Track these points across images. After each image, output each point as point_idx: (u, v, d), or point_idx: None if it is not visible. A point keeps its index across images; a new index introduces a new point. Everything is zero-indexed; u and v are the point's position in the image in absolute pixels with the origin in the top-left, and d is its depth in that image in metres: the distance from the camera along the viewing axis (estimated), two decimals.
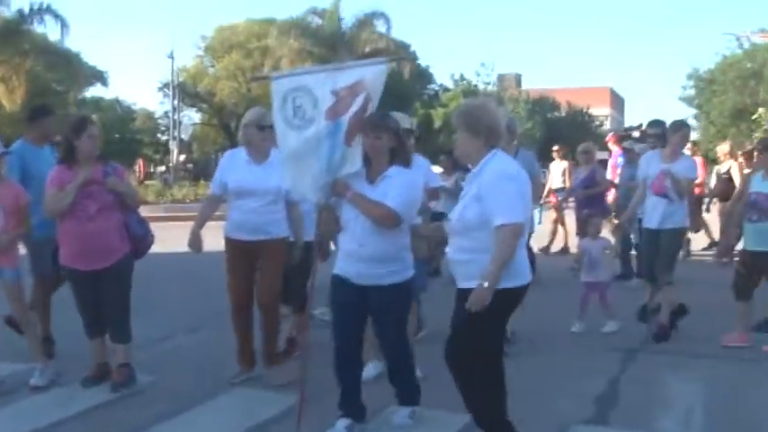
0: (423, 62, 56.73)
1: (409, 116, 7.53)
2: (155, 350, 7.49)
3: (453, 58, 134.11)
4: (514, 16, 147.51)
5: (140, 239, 6.28)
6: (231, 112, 46.88)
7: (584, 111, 63.99)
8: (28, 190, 6.49)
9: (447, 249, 4.63)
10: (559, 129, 56.33)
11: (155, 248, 6.59)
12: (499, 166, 4.43)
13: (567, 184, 14.71)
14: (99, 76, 46.75)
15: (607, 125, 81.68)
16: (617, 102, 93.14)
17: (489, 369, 4.62)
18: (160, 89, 49.80)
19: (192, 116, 55.83)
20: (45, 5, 35.32)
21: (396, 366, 5.34)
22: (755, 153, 8.09)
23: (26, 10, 35.59)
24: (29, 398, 6.10)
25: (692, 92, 51.88)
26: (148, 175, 50.39)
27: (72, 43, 42.52)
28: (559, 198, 14.74)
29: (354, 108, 4.95)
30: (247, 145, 6.35)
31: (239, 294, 6.35)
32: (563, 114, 62.75)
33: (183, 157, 49.67)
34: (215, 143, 56.34)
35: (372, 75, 5.01)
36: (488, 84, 57.52)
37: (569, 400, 6.04)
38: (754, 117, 34.33)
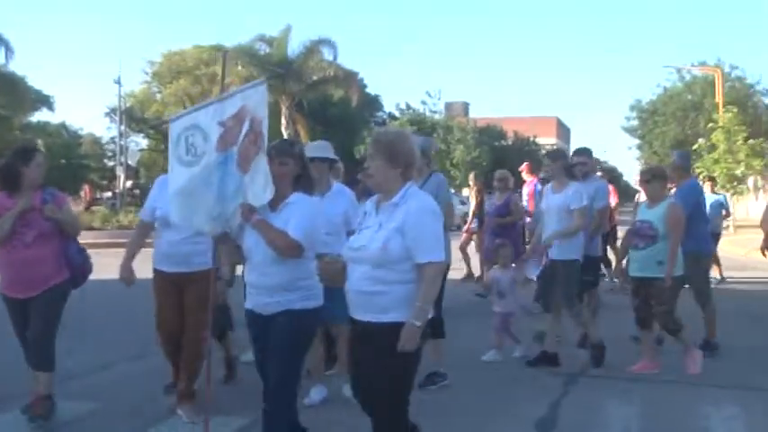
0: (371, 90, 57.21)
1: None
2: (97, 378, 7.44)
3: (402, 86, 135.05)
4: (463, 45, 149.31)
5: (78, 268, 6.18)
6: None
7: (531, 140, 64.76)
8: None
9: (351, 279, 4.32)
10: (506, 157, 56.96)
11: (99, 275, 6.57)
12: (422, 200, 4.31)
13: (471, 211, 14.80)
14: (45, 101, 46.34)
15: None
16: (563, 131, 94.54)
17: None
18: (107, 114, 49.45)
19: (139, 142, 55.55)
20: None
21: (271, 408, 4.82)
22: (641, 183, 8.30)
23: None
24: None
25: (635, 122, 52.90)
26: (95, 201, 49.77)
27: (17, 67, 41.94)
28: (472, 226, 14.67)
29: (242, 135, 4.90)
30: None
31: (165, 324, 6.28)
32: (510, 143, 63.45)
33: (129, 183, 49.25)
34: (162, 169, 55.84)
35: (253, 98, 4.96)
36: (435, 112, 58.18)
37: (511, 424, 6.17)
38: (694, 147, 35.05)
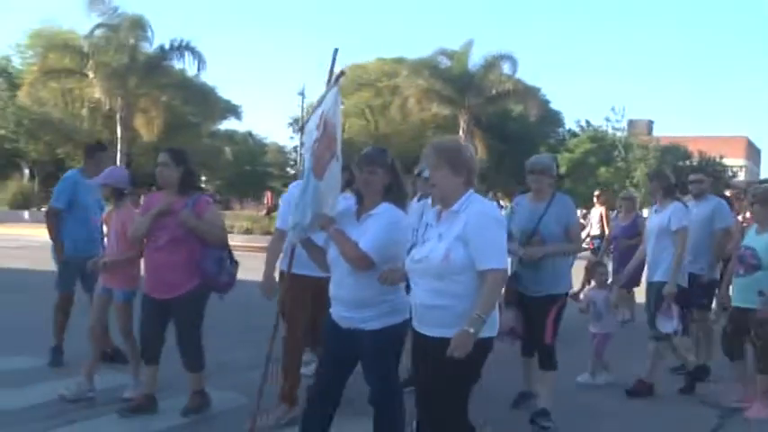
0: (553, 106, 56.63)
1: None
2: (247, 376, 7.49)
3: (585, 102, 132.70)
4: (648, 61, 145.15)
5: (212, 277, 6.09)
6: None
7: (717, 160, 62.16)
8: (71, 216, 7.44)
9: (414, 292, 4.28)
10: (688, 177, 54.94)
11: None
12: (483, 207, 4.23)
13: (606, 230, 14.05)
14: (233, 110, 48.51)
15: (741, 176, 79.45)
16: (753, 152, 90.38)
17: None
18: (290, 125, 51.19)
19: None
20: (184, 42, 37.14)
21: (379, 416, 4.88)
22: (750, 205, 7.52)
23: (167, 46, 37.43)
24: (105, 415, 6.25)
25: None
26: (275, 207, 51.63)
27: (208, 78, 44.34)
28: (596, 245, 14.03)
29: (313, 139, 4.84)
30: None
31: (299, 323, 6.26)
32: (694, 163, 61.19)
33: None
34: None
35: (329, 100, 4.90)
36: (618, 129, 56.86)
37: None
38: None
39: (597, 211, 15.22)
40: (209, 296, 6.23)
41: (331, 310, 4.88)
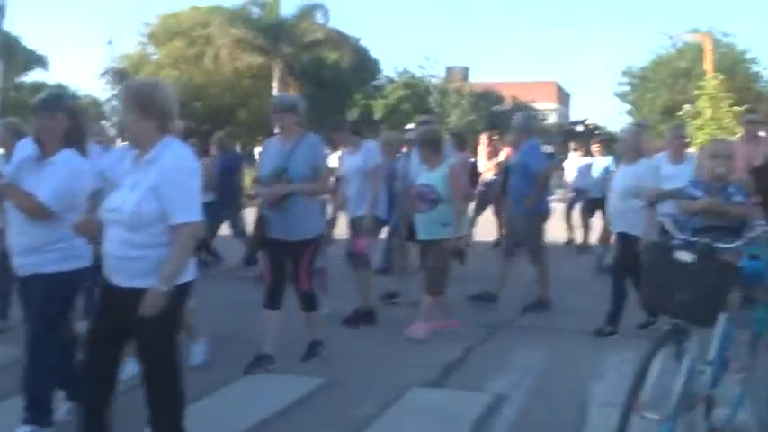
0: (373, 55, 57.37)
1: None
2: None
3: (403, 51, 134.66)
4: (464, 8, 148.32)
5: None
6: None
7: (529, 105, 64.80)
8: None
9: (107, 241, 4.07)
10: (503, 121, 57.18)
11: None
12: (179, 158, 4.03)
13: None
14: (38, 61, 46.59)
15: (553, 119, 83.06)
16: (563, 96, 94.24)
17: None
18: (102, 75, 49.63)
19: None
20: None
21: (29, 367, 4.75)
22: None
23: None
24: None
25: (626, 88, 53.12)
26: None
27: (11, 27, 42.28)
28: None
29: None
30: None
31: None
32: (508, 108, 63.53)
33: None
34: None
35: None
36: (433, 76, 58.20)
37: (419, 367, 6.62)
38: (680, 114, 35.27)
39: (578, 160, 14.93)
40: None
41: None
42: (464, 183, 8.34)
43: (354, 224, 8.33)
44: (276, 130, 6.69)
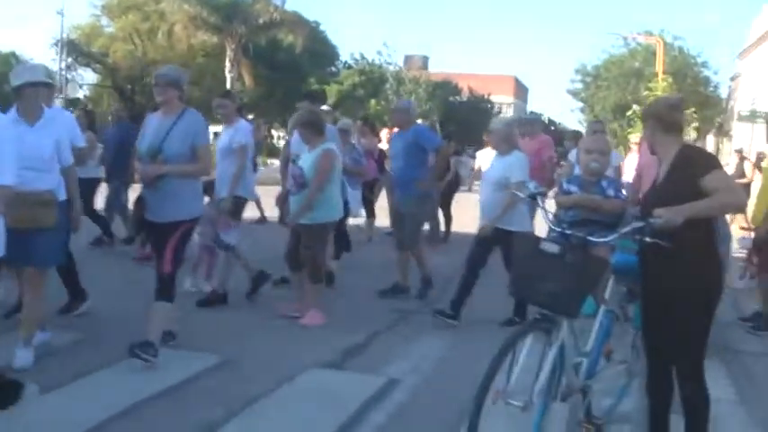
0: (333, 41, 57.36)
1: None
2: None
3: (363, 37, 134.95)
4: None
5: None
6: (125, 75, 46.36)
7: (486, 97, 65.13)
8: None
9: None
10: (458, 113, 57.45)
11: None
12: None
13: None
14: None
15: (510, 112, 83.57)
16: (521, 91, 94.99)
17: None
18: (53, 45, 48.86)
19: (85, 76, 54.94)
20: None
21: None
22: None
23: None
24: None
25: (579, 85, 53.75)
26: None
27: None
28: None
29: None
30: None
31: None
32: (464, 99, 63.78)
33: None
34: (108, 105, 55.44)
35: None
36: (390, 64, 58.26)
37: (321, 350, 6.65)
38: (628, 113, 35.81)
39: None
40: None
41: None
42: (366, 168, 8.29)
43: (218, 206, 8.13)
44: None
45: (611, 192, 5.01)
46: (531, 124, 12.10)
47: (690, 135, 36.09)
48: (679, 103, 4.69)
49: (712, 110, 46.33)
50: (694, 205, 4.08)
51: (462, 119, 54.73)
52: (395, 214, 9.47)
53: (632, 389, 5.27)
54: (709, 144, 45.41)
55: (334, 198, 7.71)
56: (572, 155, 12.38)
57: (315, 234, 7.55)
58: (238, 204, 8.25)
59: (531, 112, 65.18)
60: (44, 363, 5.82)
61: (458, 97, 62.92)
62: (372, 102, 51.04)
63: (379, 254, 11.31)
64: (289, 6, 40.71)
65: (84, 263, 7.76)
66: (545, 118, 64.26)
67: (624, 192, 5.05)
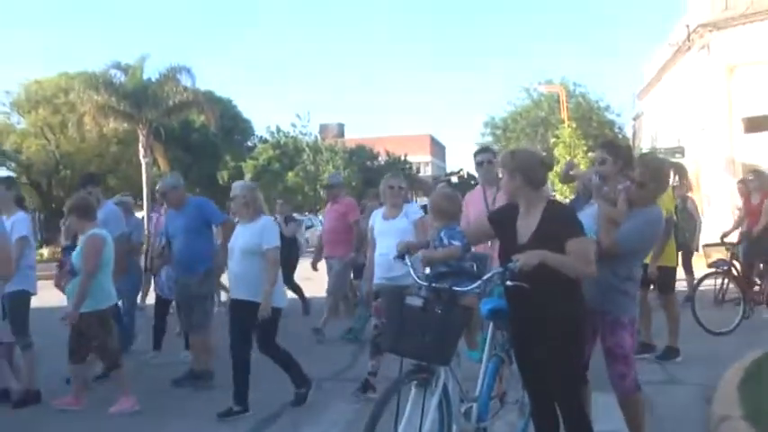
0: (246, 116, 57.69)
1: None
2: None
3: (276, 110, 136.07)
4: (336, 65, 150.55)
5: None
6: (40, 170, 45.87)
7: (403, 158, 65.92)
8: None
9: None
10: (377, 176, 57.92)
11: None
12: None
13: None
14: None
15: (428, 171, 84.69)
16: (437, 149, 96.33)
17: None
18: None
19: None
20: None
21: None
22: None
23: None
24: None
25: (489, 138, 54.95)
26: None
27: None
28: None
29: None
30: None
31: None
32: (382, 162, 64.46)
33: None
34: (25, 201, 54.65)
35: None
36: (305, 135, 58.75)
37: (235, 422, 6.91)
38: None
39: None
40: None
41: None
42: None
43: None
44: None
45: (445, 241, 5.24)
46: (339, 187, 12.36)
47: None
48: (548, 161, 5.01)
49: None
50: (550, 255, 4.38)
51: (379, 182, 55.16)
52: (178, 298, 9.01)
53: (531, 429, 5.46)
54: None
55: (104, 282, 7.50)
56: None
57: (91, 322, 7.34)
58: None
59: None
60: None
61: (376, 161, 63.56)
62: (290, 174, 51.33)
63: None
64: (199, 85, 40.90)
65: None
66: (464, 173, 65.06)
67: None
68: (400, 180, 8.05)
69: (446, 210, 5.59)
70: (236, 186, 7.73)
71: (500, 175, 5.14)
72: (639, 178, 5.10)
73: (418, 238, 7.11)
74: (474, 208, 7.35)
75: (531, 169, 4.70)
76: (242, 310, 7.25)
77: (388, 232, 7.70)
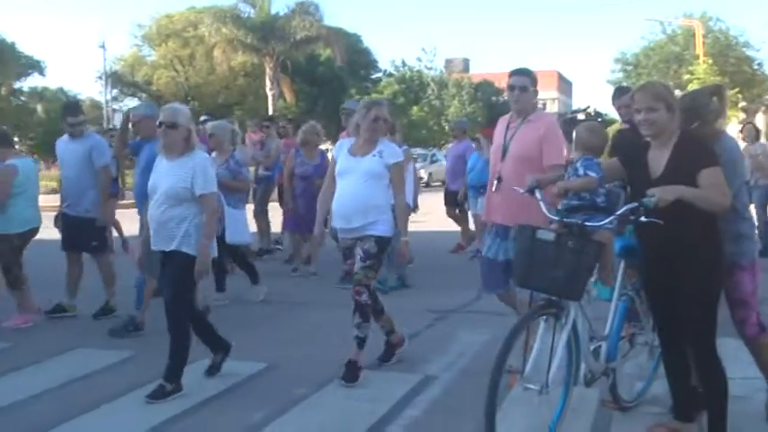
0: (371, 49, 57.67)
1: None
2: None
3: (402, 44, 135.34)
4: (462, 4, 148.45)
5: None
6: (169, 101, 47.15)
7: None
8: None
9: None
10: (503, 112, 57.19)
11: None
12: None
13: None
14: (35, 66, 46.93)
15: (554, 108, 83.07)
16: (564, 85, 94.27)
17: None
18: (98, 78, 49.95)
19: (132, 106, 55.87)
20: None
21: None
22: None
23: None
24: None
25: (619, 75, 53.16)
26: None
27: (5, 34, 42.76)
28: None
29: None
30: None
31: None
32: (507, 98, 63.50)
33: None
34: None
35: None
36: (431, 69, 58.41)
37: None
38: None
39: None
40: None
41: None
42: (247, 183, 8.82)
43: None
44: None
45: (580, 171, 5.10)
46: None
47: (738, 116, 35.74)
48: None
49: (758, 88, 45.68)
50: (686, 189, 4.22)
51: None
52: None
53: (661, 371, 5.30)
54: (759, 122, 44.76)
55: (18, 210, 8.00)
56: None
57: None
58: None
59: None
60: (97, 379, 6.22)
61: (501, 97, 62.74)
62: (415, 108, 51.26)
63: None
64: (326, 19, 41.06)
65: None
66: (591, 110, 63.50)
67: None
68: (385, 111, 6.29)
69: (586, 141, 5.40)
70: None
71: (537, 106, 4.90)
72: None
73: (393, 188, 6.26)
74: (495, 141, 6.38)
75: (675, 101, 4.53)
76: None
77: (351, 171, 6.22)
